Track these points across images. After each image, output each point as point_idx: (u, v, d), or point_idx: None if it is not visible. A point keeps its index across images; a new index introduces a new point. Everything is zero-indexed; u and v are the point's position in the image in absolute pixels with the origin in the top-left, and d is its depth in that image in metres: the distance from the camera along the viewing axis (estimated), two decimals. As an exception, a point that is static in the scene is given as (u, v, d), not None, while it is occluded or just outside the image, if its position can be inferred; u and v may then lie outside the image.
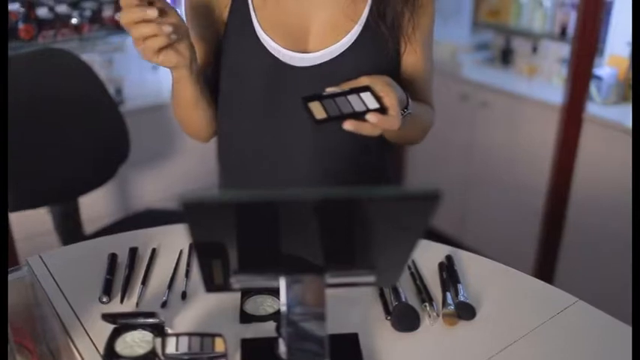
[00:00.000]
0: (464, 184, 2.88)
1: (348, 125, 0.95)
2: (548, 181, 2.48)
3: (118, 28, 2.52)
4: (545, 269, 2.55)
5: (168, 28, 0.90)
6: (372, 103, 0.98)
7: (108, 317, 0.90)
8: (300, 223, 0.71)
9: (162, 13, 0.91)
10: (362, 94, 0.99)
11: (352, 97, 0.99)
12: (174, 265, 1.13)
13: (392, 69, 1.19)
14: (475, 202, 2.86)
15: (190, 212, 0.64)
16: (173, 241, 1.21)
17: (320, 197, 0.66)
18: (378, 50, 1.15)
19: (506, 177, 2.68)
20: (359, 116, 0.96)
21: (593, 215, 2.36)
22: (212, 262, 0.75)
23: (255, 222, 0.70)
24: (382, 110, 0.98)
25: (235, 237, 0.72)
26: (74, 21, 2.40)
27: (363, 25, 1.14)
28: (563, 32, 2.60)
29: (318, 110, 0.96)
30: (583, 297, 1.05)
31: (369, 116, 0.96)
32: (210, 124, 1.24)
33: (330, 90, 1.00)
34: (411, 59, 1.21)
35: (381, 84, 1.01)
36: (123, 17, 0.90)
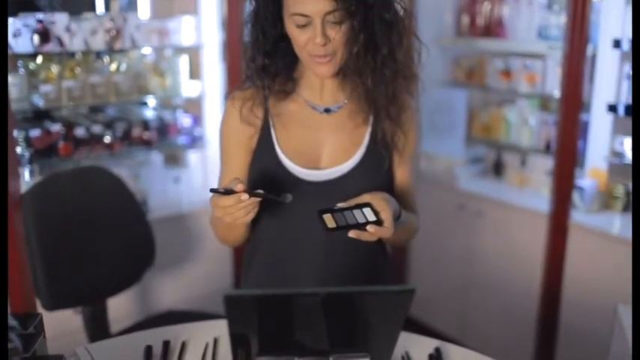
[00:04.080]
0: (463, 287, 3.05)
1: (352, 234, 1.20)
2: (540, 284, 2.65)
3: (144, 145, 2.80)
4: (542, 369, 2.67)
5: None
6: (371, 216, 1.22)
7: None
8: (310, 313, 0.91)
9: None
10: (364, 209, 1.24)
11: (356, 212, 1.23)
12: (201, 356, 1.32)
13: (387, 182, 1.44)
14: (474, 304, 3.02)
15: (229, 304, 0.85)
16: (199, 336, 1.40)
17: (325, 292, 0.87)
18: (377, 168, 1.41)
19: (501, 280, 2.86)
20: (361, 227, 1.20)
21: (585, 317, 2.51)
22: (243, 346, 0.95)
23: (276, 312, 0.91)
24: (379, 222, 1.21)
25: (262, 325, 0.92)
26: (107, 139, 2.68)
27: (365, 148, 1.40)
28: (548, 147, 2.86)
29: (329, 221, 1.21)
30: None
31: (369, 227, 1.20)
32: (246, 235, 1.47)
33: (339, 205, 1.24)
34: (400, 173, 1.47)
35: (379, 200, 1.25)
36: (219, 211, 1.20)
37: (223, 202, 1.19)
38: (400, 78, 1.35)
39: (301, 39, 1.27)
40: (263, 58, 1.35)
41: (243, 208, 1.19)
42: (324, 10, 1.23)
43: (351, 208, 1.23)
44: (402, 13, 1.31)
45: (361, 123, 1.41)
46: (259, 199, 1.20)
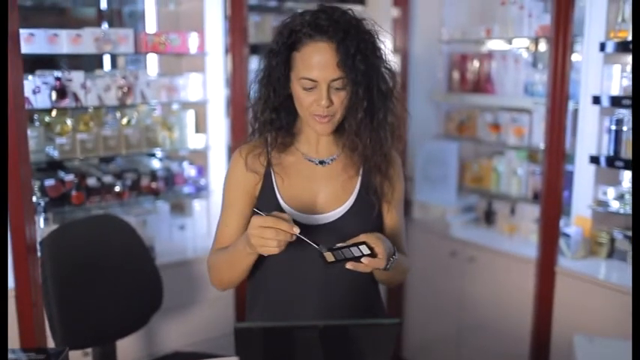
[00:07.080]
0: (456, 331, 3.15)
1: (349, 265, 1.38)
2: (530, 328, 2.76)
3: (152, 194, 2.94)
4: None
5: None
6: (366, 251, 1.40)
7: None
8: (310, 344, 1.04)
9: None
10: (360, 246, 1.42)
11: (353, 249, 1.41)
12: (209, 389, 1.43)
13: (377, 226, 1.60)
14: (467, 347, 3.11)
15: (239, 336, 0.98)
16: (207, 371, 1.52)
17: (323, 325, 1.00)
18: (367, 214, 1.58)
19: (494, 324, 2.96)
20: (357, 260, 1.38)
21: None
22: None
23: (280, 344, 1.03)
24: (373, 255, 1.39)
25: (267, 356, 1.04)
26: (117, 189, 2.83)
27: (355, 196, 1.58)
28: (536, 196, 3.00)
29: (329, 256, 1.38)
30: None
31: (364, 259, 1.38)
32: (244, 276, 1.59)
33: (338, 245, 1.42)
34: (389, 218, 1.65)
35: (374, 238, 1.44)
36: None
37: (266, 222, 1.33)
38: (390, 137, 1.54)
39: (307, 100, 1.46)
40: (271, 113, 1.54)
41: (282, 238, 1.33)
42: (331, 77, 1.43)
43: (348, 246, 1.41)
44: (391, 83, 1.51)
45: (352, 174, 1.59)
46: (294, 238, 1.34)
